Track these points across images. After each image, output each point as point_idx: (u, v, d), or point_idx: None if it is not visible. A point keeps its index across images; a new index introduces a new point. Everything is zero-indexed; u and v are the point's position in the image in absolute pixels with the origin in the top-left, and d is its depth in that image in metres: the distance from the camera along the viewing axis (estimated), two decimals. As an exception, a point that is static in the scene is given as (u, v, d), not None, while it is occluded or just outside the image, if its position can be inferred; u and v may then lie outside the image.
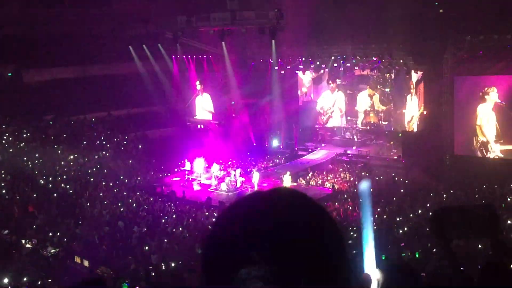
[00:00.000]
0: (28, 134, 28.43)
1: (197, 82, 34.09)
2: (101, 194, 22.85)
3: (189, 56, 33.88)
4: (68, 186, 23.21)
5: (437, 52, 24.88)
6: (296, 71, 32.28)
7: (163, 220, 20.16)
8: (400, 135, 28.25)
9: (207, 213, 20.98)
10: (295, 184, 24.75)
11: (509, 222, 16.46)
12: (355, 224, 18.39)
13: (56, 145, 27.67)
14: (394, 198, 21.27)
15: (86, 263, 15.50)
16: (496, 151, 24.22)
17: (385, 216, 19.34)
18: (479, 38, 23.82)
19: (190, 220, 19.94)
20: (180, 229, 18.77)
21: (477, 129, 24.58)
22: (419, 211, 19.26)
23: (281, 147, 32.43)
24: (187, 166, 27.17)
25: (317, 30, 27.81)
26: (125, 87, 31.93)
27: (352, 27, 26.23)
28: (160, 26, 31.12)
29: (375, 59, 28.26)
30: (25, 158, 25.55)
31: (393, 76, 28.80)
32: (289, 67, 32.06)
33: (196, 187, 25.62)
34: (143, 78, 32.79)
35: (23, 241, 17.08)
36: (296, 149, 31.61)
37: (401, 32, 24.47)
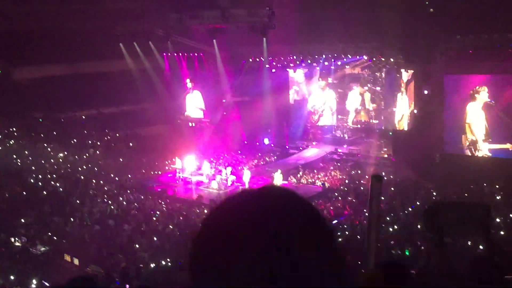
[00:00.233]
0: (18, 131, 28.24)
1: (188, 80, 34.00)
2: (91, 192, 22.76)
3: (180, 54, 33.78)
4: (58, 184, 23.10)
5: (427, 51, 25.02)
6: (287, 69, 32.30)
7: (154, 218, 20.12)
8: (390, 133, 28.37)
9: (198, 211, 20.97)
10: (286, 182, 24.80)
11: (497, 220, 16.62)
12: (345, 222, 18.49)
13: (46, 143, 27.52)
14: (383, 198, 21.36)
15: (76, 261, 15.45)
16: (484, 149, 24.40)
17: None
18: (468, 37, 23.98)
19: (181, 218, 19.91)
20: (171, 227, 18.74)
21: (466, 128, 24.75)
22: (409, 209, 19.37)
23: (272, 145, 32.45)
24: (178, 164, 27.11)
25: (308, 29, 27.83)
26: (116, 84, 31.76)
27: (343, 25, 26.27)
28: (151, 23, 30.98)
29: (365, 57, 28.36)
30: (14, 156, 25.39)
31: (383, 74, 28.91)
32: (280, 65, 32.08)
33: (187, 185, 25.59)
34: (133, 76, 32.65)
35: (12, 239, 17.00)
36: (287, 147, 31.66)
37: (391, 31, 24.56)
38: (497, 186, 21.01)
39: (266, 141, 32.59)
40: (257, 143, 32.58)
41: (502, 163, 22.72)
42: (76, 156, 27.19)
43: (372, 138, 29.69)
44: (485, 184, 21.41)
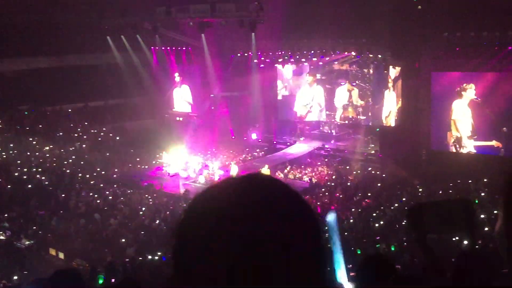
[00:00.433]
0: (2, 124, 27.92)
1: (176, 74, 33.86)
2: (77, 185, 22.60)
3: (168, 48, 33.62)
4: (43, 178, 22.90)
5: (415, 48, 25.14)
6: (276, 65, 32.28)
7: (140, 213, 20.05)
8: (377, 130, 28.50)
9: (185, 206, 20.91)
10: (273, 177, 24.78)
11: (482, 216, 16.77)
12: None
13: (31, 136, 27.25)
14: (369, 194, 21.46)
15: (61, 255, 15.36)
16: (469, 146, 24.62)
17: (360, 210, 19.53)
18: (456, 35, 24.13)
19: (168, 213, 19.86)
20: (158, 221, 18.69)
21: (451, 124, 24.96)
22: (395, 205, 19.49)
23: (259, 140, 32.44)
24: (165, 158, 27.02)
25: (297, 24, 27.82)
26: (103, 78, 31.56)
27: (331, 21, 26.30)
28: (139, 17, 30.77)
29: (354, 54, 28.43)
30: (-1, 149, 25.13)
31: (371, 71, 29.02)
32: (268, 60, 32.05)
33: (174, 179, 25.51)
34: (121, 69, 32.44)
35: (-3, 233, 16.84)
36: (274, 142, 31.67)
37: (380, 27, 24.65)
38: (484, 180, 21.18)
39: (254, 136, 32.57)
40: (245, 138, 32.55)
41: (487, 160, 22.93)
42: (62, 150, 26.96)
43: (360, 134, 29.81)
44: (470, 181, 21.59)
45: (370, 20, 24.81)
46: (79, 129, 29.98)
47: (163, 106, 34.34)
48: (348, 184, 23.69)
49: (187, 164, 26.61)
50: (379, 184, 23.03)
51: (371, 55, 27.94)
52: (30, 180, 22.47)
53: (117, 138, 30.57)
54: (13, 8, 28.73)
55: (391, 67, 27.22)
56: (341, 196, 21.84)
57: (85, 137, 29.25)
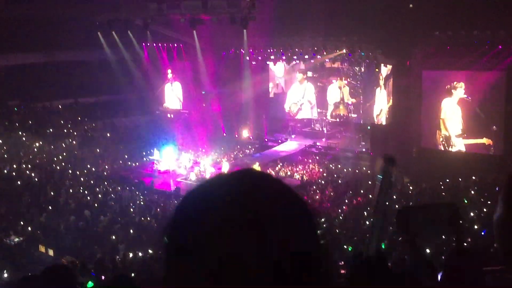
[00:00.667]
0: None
1: (169, 71, 33.75)
2: (67, 182, 22.47)
3: (160, 44, 33.50)
4: (33, 174, 22.75)
5: (406, 46, 25.22)
6: (267, 62, 32.26)
7: (131, 210, 19.98)
8: (369, 128, 28.58)
9: (175, 203, 20.86)
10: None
11: (472, 214, 16.88)
12: (324, 216, 18.58)
13: (21, 132, 27.06)
14: (362, 191, 21.52)
15: (51, 252, 15.26)
16: (458, 145, 24.78)
17: (351, 208, 19.59)
18: (447, 34, 24.25)
19: (158, 209, 19.80)
20: (148, 218, 18.64)
21: (440, 123, 25.11)
22: (386, 203, 19.51)
23: (251, 137, 32.42)
24: (156, 155, 26.94)
25: (288, 22, 27.81)
26: (93, 74, 31.39)
27: (323, 19, 26.30)
28: (130, 12, 30.58)
29: (345, 51, 28.46)
30: (-12, 145, 24.94)
31: (363, 69, 29.08)
32: (260, 57, 32.02)
33: (165, 176, 25.44)
34: (112, 65, 32.28)
35: (-15, 230, 16.71)
36: (266, 140, 31.68)
37: (371, 26, 24.68)
38: (473, 178, 21.31)
39: (245, 133, 32.56)
40: (236, 135, 32.53)
41: (476, 158, 23.08)
42: (52, 146, 26.80)
43: (351, 132, 29.87)
44: (460, 179, 21.72)
45: (361, 18, 24.83)
46: (69, 125, 29.81)
47: (154, 102, 34.22)
48: (339, 182, 23.74)
49: (178, 161, 26.55)
50: (369, 182, 23.10)
51: (363, 53, 28.00)
52: (19, 176, 22.32)
53: (108, 134, 30.43)
54: (1, 3, 28.48)
55: (382, 65, 27.31)
56: (332, 193, 21.88)
57: (75, 133, 29.09)
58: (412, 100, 25.85)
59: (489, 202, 17.45)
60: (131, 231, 17.34)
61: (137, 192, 22.64)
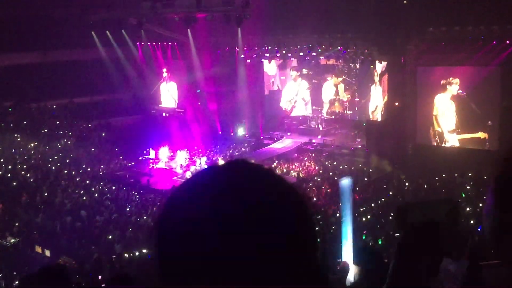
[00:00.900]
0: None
1: (164, 70, 33.68)
2: (63, 182, 22.40)
3: (154, 43, 33.42)
4: (28, 175, 22.65)
5: (401, 42, 25.25)
6: (262, 60, 32.24)
7: (127, 209, 19.94)
8: (364, 124, 28.61)
9: (167, 196, 20.80)
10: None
11: (468, 209, 16.94)
12: (320, 214, 18.60)
13: (16, 132, 26.94)
14: (357, 188, 21.52)
15: (47, 252, 15.22)
16: (451, 140, 24.84)
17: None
18: (441, 30, 24.27)
19: (155, 208, 19.76)
20: (145, 218, 18.60)
21: (433, 119, 25.18)
22: (382, 199, 19.59)
23: (246, 135, 32.41)
24: (152, 154, 26.89)
25: (283, 19, 27.79)
26: (88, 73, 31.28)
27: (318, 16, 26.28)
28: (124, 11, 30.47)
29: (340, 48, 28.45)
30: (-17, 146, 24.81)
31: (358, 66, 29.09)
32: (255, 55, 32.00)
33: (161, 175, 25.42)
34: (106, 65, 32.17)
35: (-19, 231, 16.64)
36: (261, 137, 31.66)
37: (366, 22, 24.69)
38: (469, 174, 21.37)
39: (241, 131, 32.54)
40: (232, 134, 32.51)
41: (472, 153, 23.13)
42: (47, 146, 26.70)
43: (346, 129, 29.91)
44: (456, 175, 21.77)
45: (356, 15, 24.84)
46: (64, 126, 29.69)
47: (149, 101, 34.14)
48: (335, 178, 23.75)
49: (174, 160, 26.51)
50: (366, 179, 23.13)
51: (358, 50, 28.00)
52: (15, 177, 22.22)
53: (103, 134, 30.34)
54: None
55: (377, 61, 27.33)
56: (328, 190, 21.90)
57: (70, 133, 28.99)
58: (407, 96, 25.89)
59: (484, 198, 17.50)
60: (128, 230, 17.31)
61: (133, 192, 22.59)
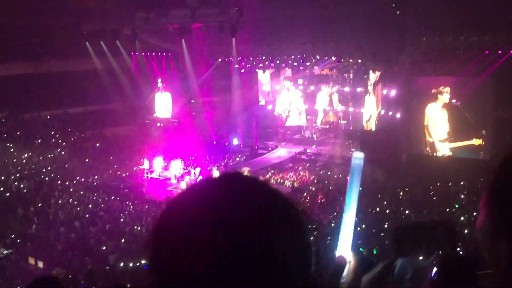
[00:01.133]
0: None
1: (159, 80, 33.70)
2: (56, 193, 22.30)
3: (148, 53, 33.43)
4: (22, 185, 22.54)
5: (394, 53, 25.39)
6: (256, 70, 32.32)
7: (121, 220, 19.85)
8: (358, 134, 28.67)
9: (162, 208, 20.72)
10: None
11: (462, 218, 16.97)
12: (314, 224, 18.57)
13: (9, 143, 26.84)
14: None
15: (40, 264, 15.11)
16: (442, 150, 24.95)
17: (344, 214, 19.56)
18: (434, 40, 24.44)
19: (149, 219, 19.68)
20: (139, 228, 18.51)
21: (425, 129, 25.33)
22: (377, 209, 19.58)
23: (241, 145, 32.41)
24: (146, 165, 26.82)
25: (277, 29, 27.91)
26: (82, 84, 31.24)
27: (311, 26, 26.43)
28: (118, 22, 30.51)
29: (334, 58, 28.58)
30: (-24, 157, 24.70)
31: (351, 75, 29.21)
32: (249, 65, 32.08)
33: (155, 186, 25.33)
34: (100, 75, 32.12)
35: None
36: (256, 147, 31.66)
37: (359, 32, 24.84)
38: (462, 183, 21.42)
39: (235, 141, 32.54)
40: (226, 144, 32.49)
41: (466, 162, 23.19)
42: (41, 157, 26.60)
43: (341, 138, 29.94)
44: (450, 184, 21.82)
45: (350, 25, 24.98)
46: (58, 136, 29.60)
47: (143, 112, 34.09)
48: (330, 188, 23.75)
49: (168, 170, 26.45)
50: (360, 188, 23.10)
51: (351, 60, 28.13)
52: (8, 188, 22.11)
53: (97, 144, 30.25)
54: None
55: (370, 71, 27.45)
56: (323, 200, 21.88)
57: (64, 144, 28.89)
58: (400, 106, 25.98)
59: (478, 207, 17.52)
60: (122, 241, 17.22)
61: (127, 202, 22.49)
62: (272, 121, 32.65)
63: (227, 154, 31.02)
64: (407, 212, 18.73)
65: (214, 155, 30.53)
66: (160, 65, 33.62)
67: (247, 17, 27.19)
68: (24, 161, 25.93)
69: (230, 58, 31.47)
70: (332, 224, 18.53)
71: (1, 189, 22.04)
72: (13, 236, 17.29)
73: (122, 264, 14.62)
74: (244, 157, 30.58)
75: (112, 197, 23.01)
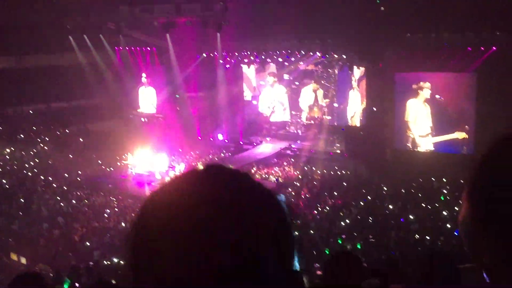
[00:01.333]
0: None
1: (143, 75, 33.49)
2: (39, 189, 22.09)
3: (133, 48, 33.20)
4: (4, 181, 22.29)
5: (379, 49, 25.51)
6: (241, 65, 32.27)
7: (105, 215, 19.74)
8: (343, 129, 28.80)
9: (142, 203, 20.64)
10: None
11: (444, 213, 17.18)
12: (299, 219, 18.66)
13: (-9, 138, 26.55)
14: (336, 193, 21.63)
15: (23, 260, 14.98)
16: (423, 145, 25.21)
17: (328, 208, 19.71)
18: (418, 36, 24.63)
19: (133, 214, 19.56)
20: (123, 224, 18.43)
21: (406, 125, 25.60)
22: (361, 204, 19.73)
23: (226, 141, 32.38)
24: (130, 160, 26.68)
25: (262, 24, 27.87)
26: (66, 78, 30.88)
27: (297, 22, 26.43)
28: (102, 16, 30.22)
29: (319, 54, 28.64)
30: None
31: (336, 71, 29.30)
32: (234, 61, 32.02)
33: (140, 181, 25.22)
34: (84, 70, 31.81)
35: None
36: (241, 143, 31.65)
37: (344, 28, 24.92)
38: (444, 180, 21.66)
39: (220, 136, 32.49)
40: (211, 139, 32.44)
41: (449, 157, 23.45)
42: (23, 152, 26.31)
43: (325, 134, 30.04)
44: (433, 179, 22.04)
45: (334, 21, 25.04)
46: (40, 131, 29.30)
47: (127, 106, 33.88)
48: (315, 183, 23.86)
49: (153, 166, 26.34)
50: (344, 184, 23.27)
51: (336, 56, 28.23)
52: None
53: (81, 139, 30.01)
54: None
55: (355, 67, 27.56)
56: (307, 195, 21.97)
57: (47, 139, 28.61)
58: (385, 101, 26.15)
59: (460, 202, 17.75)
60: (107, 236, 17.14)
61: (111, 198, 22.37)
62: (257, 116, 32.63)
63: (212, 150, 30.98)
64: (391, 207, 18.90)
65: (198, 151, 30.46)
66: (144, 60, 33.41)
67: (232, 11, 27.12)
68: (7, 156, 25.63)
69: (215, 53, 31.39)
70: (317, 218, 18.64)
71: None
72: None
73: (106, 260, 14.55)
74: (229, 152, 30.57)
75: (96, 193, 22.87)
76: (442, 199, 19.07)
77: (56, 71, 30.92)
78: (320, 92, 30.35)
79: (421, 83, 24.75)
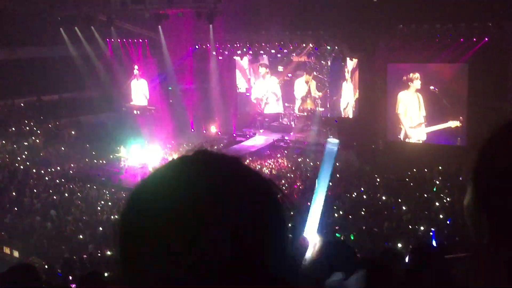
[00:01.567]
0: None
1: (135, 67, 33.30)
2: (31, 182, 21.98)
3: (125, 40, 33.00)
4: (-5, 174, 22.19)
5: (371, 40, 25.51)
6: (234, 57, 32.18)
7: (98, 208, 19.70)
8: (336, 121, 28.81)
9: (130, 191, 20.62)
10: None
11: (437, 204, 17.25)
12: (293, 210, 18.64)
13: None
14: (330, 183, 21.66)
15: (16, 253, 14.95)
16: (414, 136, 25.31)
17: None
18: (410, 27, 24.65)
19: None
20: (116, 216, 18.38)
21: (397, 116, 25.70)
22: (354, 195, 19.78)
23: (219, 133, 32.33)
24: (123, 152, 26.60)
25: (254, 16, 27.81)
26: (57, 70, 30.66)
27: (289, 13, 26.38)
28: (93, 7, 29.98)
29: (312, 45, 28.59)
30: None
31: (329, 63, 29.26)
32: (226, 52, 31.91)
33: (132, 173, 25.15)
34: (75, 62, 31.59)
35: None
36: (234, 135, 31.62)
37: (337, 20, 24.89)
38: (440, 168, 21.75)
39: (213, 129, 32.44)
40: (204, 131, 32.38)
41: (440, 149, 23.56)
42: (15, 145, 26.16)
43: (318, 125, 30.03)
44: (426, 170, 22.12)
45: (327, 13, 25.00)
46: (32, 124, 29.12)
47: (120, 99, 33.73)
48: (308, 175, 23.89)
49: (146, 158, 26.27)
50: (337, 175, 23.30)
51: (329, 47, 28.18)
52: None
53: (73, 132, 29.86)
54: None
55: (348, 58, 27.54)
56: (301, 187, 22.00)
57: (39, 131, 28.45)
58: (378, 93, 26.19)
59: (454, 191, 17.86)
60: (100, 229, 17.10)
61: (104, 190, 22.31)
62: (250, 108, 32.58)
63: (205, 142, 30.91)
64: (383, 198, 18.96)
65: (191, 143, 30.39)
66: (136, 52, 33.24)
67: (224, 3, 27.00)
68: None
69: (208, 45, 31.26)
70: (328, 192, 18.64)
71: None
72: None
73: (99, 252, 14.54)
74: (222, 144, 30.53)
75: (89, 186, 22.80)
76: (435, 190, 19.12)
77: (47, 63, 30.69)
78: (313, 84, 30.31)
79: (411, 75, 24.82)
